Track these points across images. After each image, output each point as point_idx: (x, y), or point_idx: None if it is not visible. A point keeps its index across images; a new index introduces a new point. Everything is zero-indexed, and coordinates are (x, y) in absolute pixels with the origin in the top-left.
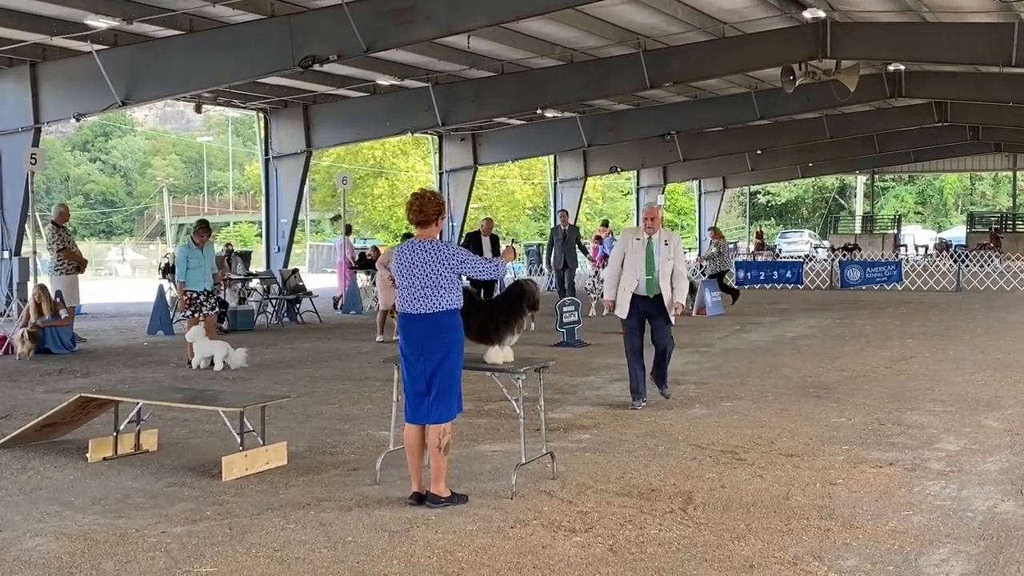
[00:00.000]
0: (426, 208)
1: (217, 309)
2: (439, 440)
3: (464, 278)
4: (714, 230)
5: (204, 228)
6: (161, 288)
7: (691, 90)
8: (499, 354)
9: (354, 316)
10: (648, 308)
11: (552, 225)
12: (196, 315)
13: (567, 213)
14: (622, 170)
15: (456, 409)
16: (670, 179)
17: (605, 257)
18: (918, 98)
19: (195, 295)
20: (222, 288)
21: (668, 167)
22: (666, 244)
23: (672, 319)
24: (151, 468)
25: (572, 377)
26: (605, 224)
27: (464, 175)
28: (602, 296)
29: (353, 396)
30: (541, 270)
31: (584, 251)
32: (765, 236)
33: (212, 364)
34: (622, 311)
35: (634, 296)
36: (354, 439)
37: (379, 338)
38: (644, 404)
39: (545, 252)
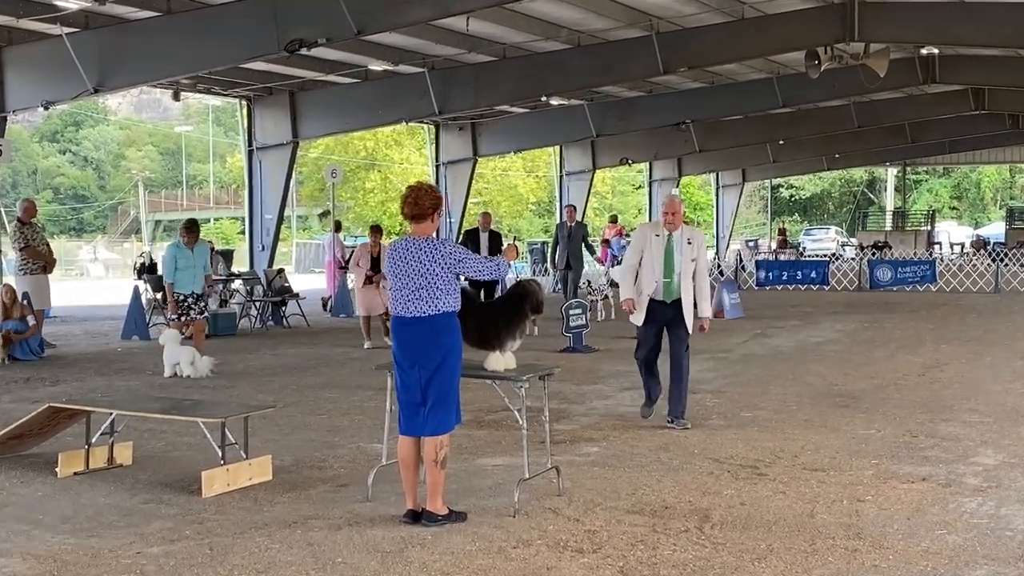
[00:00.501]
0: (421, 201)
1: (206, 314)
2: (436, 453)
3: (462, 278)
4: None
5: (191, 228)
6: (136, 290)
7: (708, 76)
8: (500, 360)
9: (344, 320)
10: (665, 315)
11: (557, 221)
12: (182, 319)
13: (575, 208)
14: (633, 162)
15: (454, 420)
16: (685, 172)
17: (615, 260)
18: (953, 84)
19: (181, 298)
20: (209, 292)
21: (683, 159)
22: (689, 243)
23: (690, 328)
24: (125, 484)
25: (579, 385)
26: (614, 220)
27: (463, 167)
28: (606, 298)
29: (343, 406)
30: (546, 270)
31: (591, 250)
32: (788, 233)
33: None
34: (639, 317)
35: (651, 301)
36: (344, 452)
37: (367, 345)
38: (654, 406)
39: (550, 250)
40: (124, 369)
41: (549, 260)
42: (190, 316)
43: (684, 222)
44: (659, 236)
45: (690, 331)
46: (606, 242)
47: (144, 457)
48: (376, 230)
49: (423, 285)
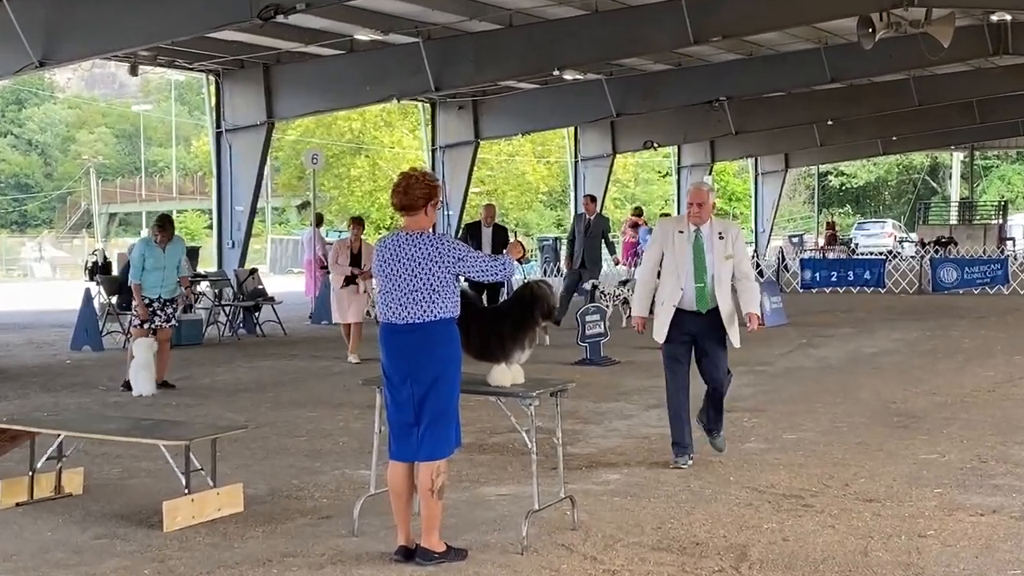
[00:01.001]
0: (413, 191)
1: (173, 322)
2: (432, 481)
3: (462, 280)
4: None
5: (164, 224)
6: (88, 293)
7: (745, 46)
8: (506, 374)
9: (326, 328)
10: (698, 328)
11: (575, 213)
12: (145, 326)
13: (594, 200)
14: (659, 146)
15: (453, 443)
16: (719, 157)
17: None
18: None
19: (147, 302)
20: (189, 297)
21: (716, 142)
22: (721, 238)
23: (735, 340)
24: (75, 516)
25: (597, 403)
26: (639, 213)
27: (463, 152)
28: (625, 302)
29: (325, 427)
30: (559, 270)
31: (611, 249)
32: (838, 228)
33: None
34: (660, 333)
35: (678, 312)
36: (326, 480)
37: (352, 359)
38: (691, 462)
39: (566, 247)
40: (74, 384)
41: (564, 258)
42: (154, 323)
43: (714, 214)
44: (683, 232)
45: (736, 343)
46: (634, 225)
47: (97, 485)
48: (357, 222)
49: (417, 287)
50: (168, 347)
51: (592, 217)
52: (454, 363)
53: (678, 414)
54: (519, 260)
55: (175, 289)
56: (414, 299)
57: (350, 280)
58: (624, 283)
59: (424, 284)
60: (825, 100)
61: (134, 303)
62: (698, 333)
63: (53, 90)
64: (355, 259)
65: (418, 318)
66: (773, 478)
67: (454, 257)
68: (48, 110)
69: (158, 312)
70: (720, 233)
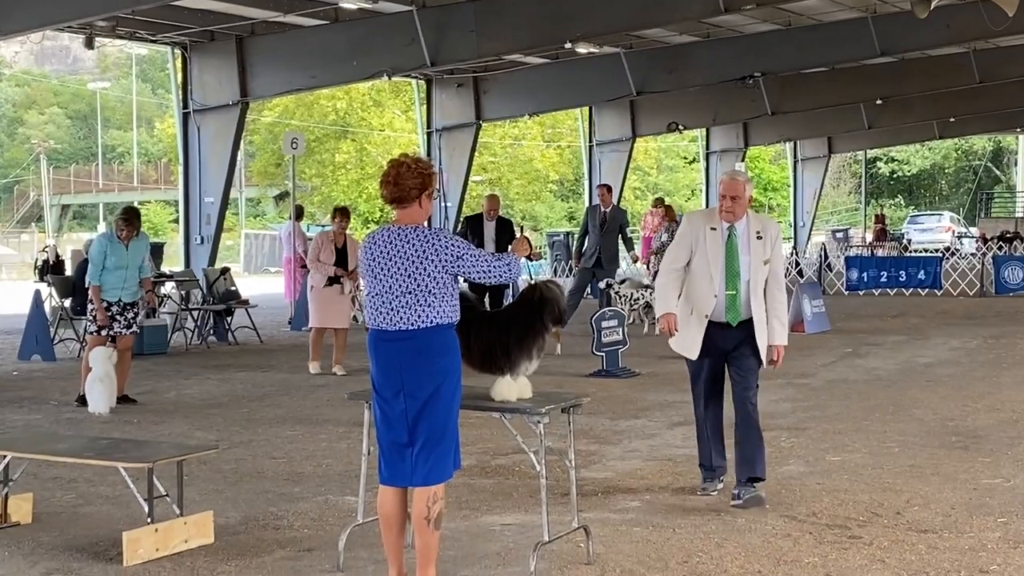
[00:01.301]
0: (404, 180)
1: (134, 328)
2: (428, 510)
3: (461, 280)
4: (664, 207)
5: (130, 218)
6: (37, 295)
7: (783, 15)
8: (511, 387)
9: (307, 334)
10: (727, 342)
11: (588, 204)
12: (103, 332)
13: (610, 190)
14: (685, 128)
15: (452, 465)
16: (753, 140)
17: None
18: None
19: (105, 305)
20: (152, 302)
21: (750, 124)
22: (759, 238)
23: (763, 359)
24: (24, 548)
25: (615, 420)
26: (661, 204)
27: (462, 136)
28: (647, 309)
29: (306, 447)
30: (571, 269)
31: (629, 245)
32: (888, 221)
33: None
34: (690, 347)
35: (708, 323)
36: (308, 507)
37: (313, 368)
38: (722, 485)
39: (576, 242)
40: (22, 398)
41: (575, 254)
42: (113, 330)
43: (751, 208)
44: (716, 230)
45: (763, 362)
46: (666, 209)
47: (48, 513)
48: (343, 213)
49: (411, 289)
50: (129, 357)
51: (608, 209)
52: (453, 375)
53: (707, 431)
54: (526, 258)
55: (137, 292)
56: (407, 302)
57: (334, 280)
58: (647, 287)
59: (418, 285)
60: (874, 76)
61: (91, 307)
62: (728, 348)
63: None
64: (340, 256)
65: (412, 324)
66: (815, 506)
67: (452, 255)
68: None
69: (118, 317)
70: (758, 232)
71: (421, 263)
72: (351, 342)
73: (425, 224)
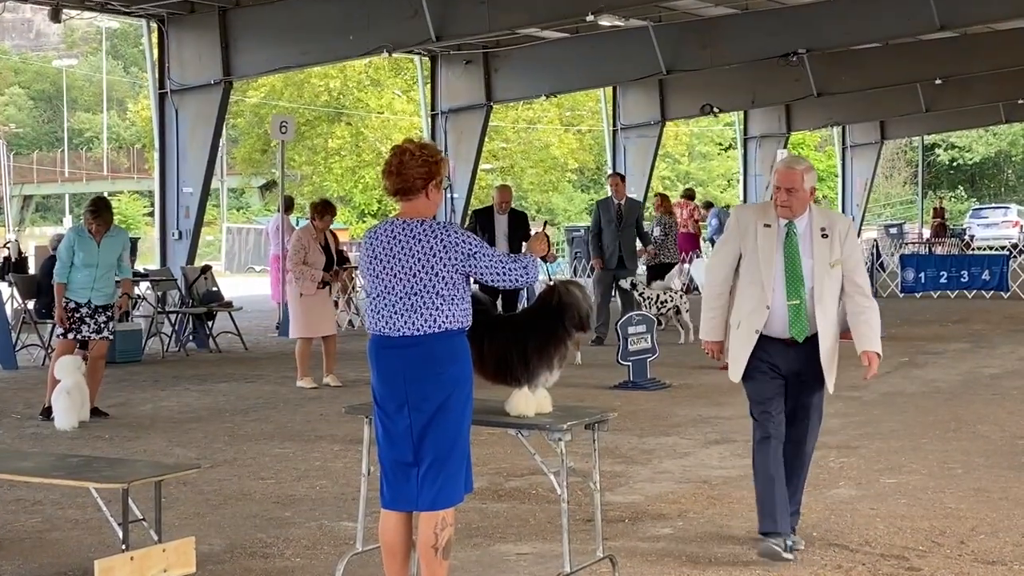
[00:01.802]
0: (408, 170)
1: (105, 334)
2: (435, 537)
3: (473, 281)
4: (660, 196)
5: (98, 210)
6: None
7: None
8: (529, 400)
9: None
10: (789, 363)
11: (600, 198)
12: (69, 336)
13: (622, 180)
14: (720, 111)
15: (462, 488)
16: (797, 125)
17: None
18: None
19: (72, 306)
20: (123, 306)
21: (793, 106)
22: (824, 236)
23: (830, 384)
24: None
25: (643, 437)
26: (689, 196)
27: (471, 119)
28: (677, 314)
29: (298, 466)
30: (591, 270)
31: (645, 240)
32: (948, 215)
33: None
34: (736, 367)
35: (763, 339)
36: (300, 533)
37: (301, 382)
38: (798, 543)
39: (592, 241)
40: None
41: (594, 251)
42: (81, 334)
43: (814, 201)
44: (770, 227)
45: (831, 388)
46: (706, 205)
47: (10, 539)
48: (324, 208)
49: (416, 290)
50: (102, 365)
51: (622, 201)
52: (463, 386)
53: (767, 478)
54: (543, 259)
55: (112, 294)
56: (412, 305)
57: (323, 283)
58: (682, 290)
59: (425, 286)
60: (932, 53)
61: (56, 308)
62: (789, 371)
63: None
64: (327, 255)
65: (418, 329)
66: (868, 533)
67: (463, 252)
68: None
69: (87, 320)
70: (824, 230)
71: (428, 261)
72: (345, 350)
73: (432, 217)
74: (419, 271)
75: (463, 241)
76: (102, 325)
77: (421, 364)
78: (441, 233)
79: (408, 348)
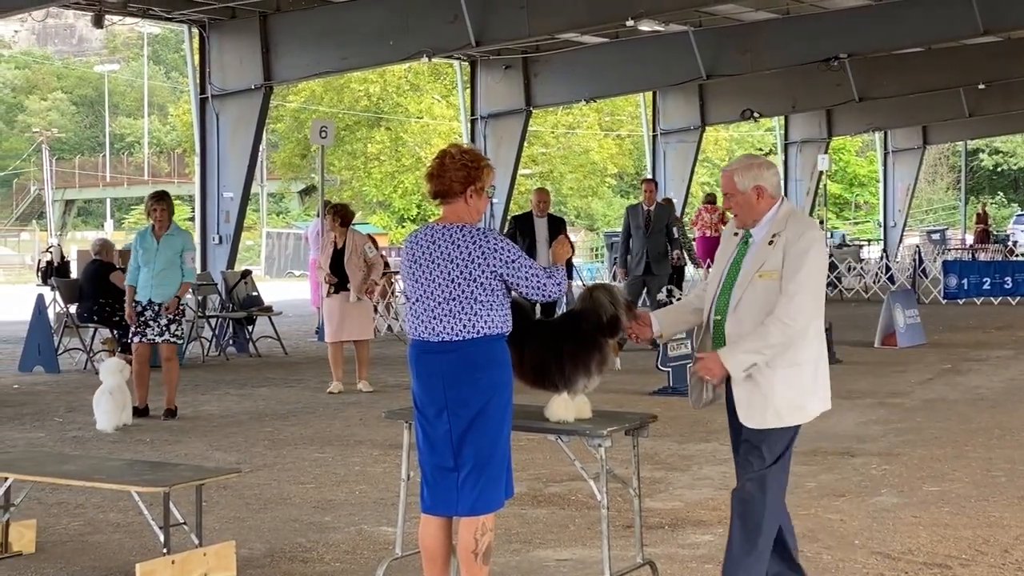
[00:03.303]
0: (447, 172)
1: (167, 337)
2: (475, 542)
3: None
4: (666, 201)
5: (161, 197)
6: (40, 300)
7: None
8: (568, 406)
9: None
10: (727, 388)
11: (630, 204)
12: (135, 339)
13: (655, 186)
14: (761, 116)
15: (503, 493)
16: (838, 130)
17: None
18: None
19: (140, 309)
20: (173, 308)
21: (835, 111)
22: (771, 243)
23: (758, 423)
24: None
25: (682, 444)
26: (711, 201)
27: (510, 124)
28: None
29: (337, 471)
30: (614, 276)
31: (675, 244)
32: (992, 221)
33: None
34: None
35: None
36: (340, 538)
37: (334, 387)
38: None
39: (621, 248)
40: (23, 415)
41: (620, 260)
42: (146, 337)
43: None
44: (737, 235)
45: (746, 422)
46: (711, 200)
47: (53, 542)
48: (335, 212)
49: (455, 295)
50: (171, 367)
51: (652, 208)
52: (503, 391)
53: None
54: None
55: (176, 294)
56: (451, 310)
57: (341, 286)
58: None
59: (463, 291)
60: (975, 57)
61: (126, 309)
62: (728, 398)
63: None
64: (338, 258)
65: (456, 334)
66: (911, 542)
67: (502, 259)
68: None
69: (151, 323)
70: (774, 236)
71: (467, 266)
72: (385, 355)
73: (473, 223)
74: (458, 276)
75: (503, 248)
76: (164, 328)
77: (460, 369)
78: (480, 239)
79: (447, 353)
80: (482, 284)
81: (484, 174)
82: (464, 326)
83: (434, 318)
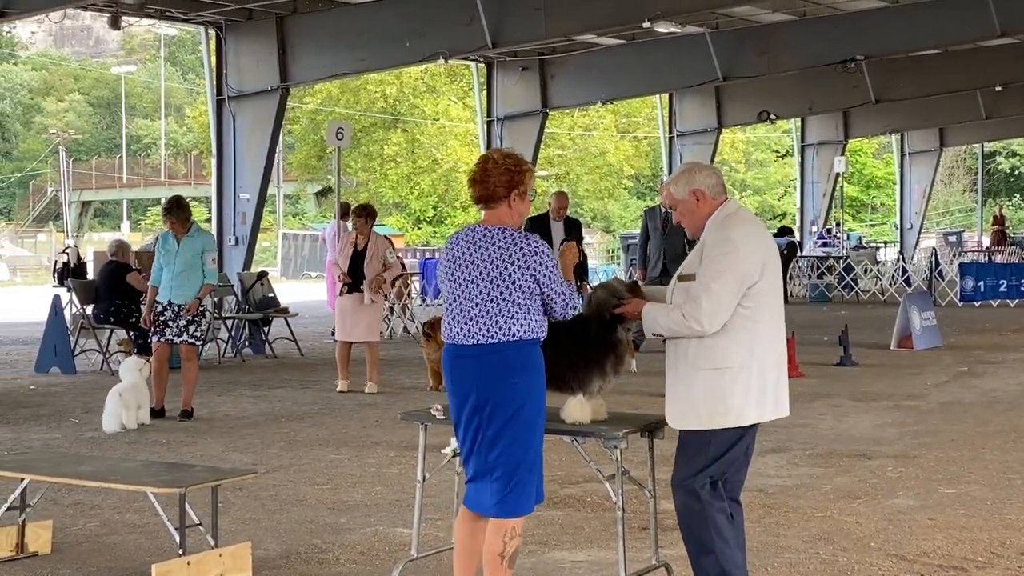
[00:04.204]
0: (491, 177)
1: (186, 338)
2: (503, 545)
3: None
4: None
5: (170, 209)
6: (56, 301)
7: None
8: (584, 408)
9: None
10: None
11: (648, 206)
12: (153, 339)
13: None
14: (778, 118)
15: (532, 499)
16: (854, 132)
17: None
18: None
19: (160, 309)
20: (193, 309)
21: (851, 113)
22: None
23: (678, 422)
24: None
25: None
26: None
27: (526, 126)
28: None
29: (353, 472)
30: (630, 276)
31: (692, 245)
32: (1008, 223)
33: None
34: None
35: None
36: (355, 539)
37: (341, 386)
38: None
39: (639, 251)
40: (40, 416)
41: (639, 262)
42: (164, 337)
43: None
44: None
45: (669, 422)
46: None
47: (69, 543)
48: (361, 212)
49: (491, 296)
50: (189, 367)
51: (668, 210)
52: (536, 398)
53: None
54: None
55: (196, 295)
56: (487, 312)
57: (354, 287)
58: None
59: (501, 293)
60: (992, 59)
61: (146, 308)
62: None
63: (13, 47)
64: (358, 259)
65: (491, 337)
66: (926, 544)
67: (540, 262)
68: (7, 72)
69: (169, 323)
70: (704, 241)
71: (506, 268)
72: (400, 356)
73: (514, 226)
74: (496, 277)
75: (543, 252)
76: (183, 329)
77: (494, 372)
78: (521, 241)
79: (482, 356)
80: (520, 287)
81: (527, 178)
82: (500, 328)
83: (470, 319)
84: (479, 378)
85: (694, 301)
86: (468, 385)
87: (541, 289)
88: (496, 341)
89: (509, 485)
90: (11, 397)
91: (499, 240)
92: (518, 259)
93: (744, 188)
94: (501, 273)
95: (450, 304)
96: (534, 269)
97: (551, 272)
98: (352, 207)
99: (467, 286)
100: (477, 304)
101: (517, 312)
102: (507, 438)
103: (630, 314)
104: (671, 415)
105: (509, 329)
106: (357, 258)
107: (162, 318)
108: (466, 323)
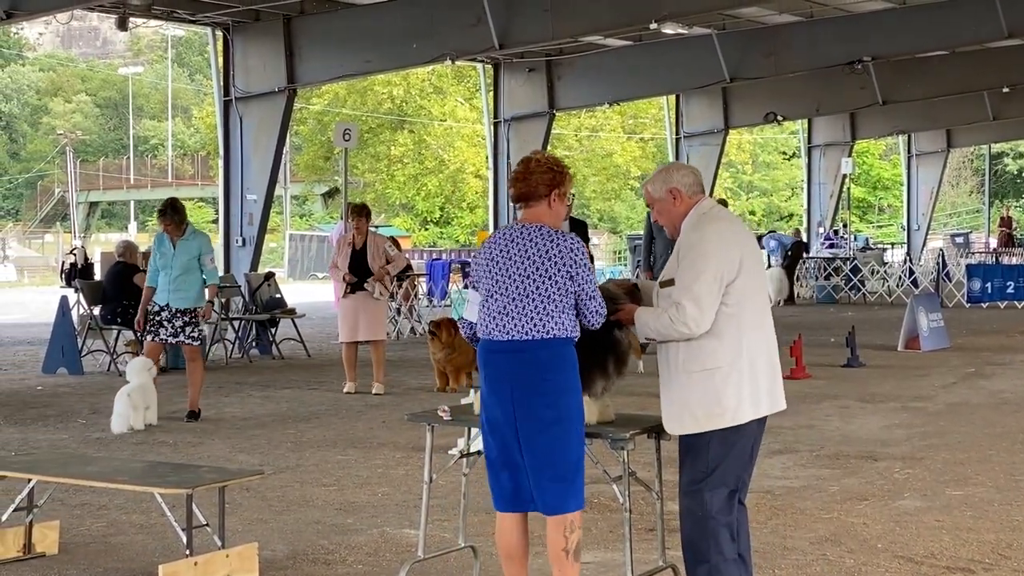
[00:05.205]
0: (533, 175)
1: (183, 338)
2: (565, 540)
3: None
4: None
5: (164, 211)
6: (64, 302)
7: None
8: (590, 409)
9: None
10: None
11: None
12: (148, 338)
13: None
14: (785, 119)
15: (583, 491)
16: (861, 133)
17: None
18: None
19: (156, 309)
20: (207, 314)
21: (858, 114)
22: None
23: (675, 428)
24: None
25: None
26: (724, 205)
27: (533, 127)
28: None
29: (360, 473)
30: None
31: None
32: (1016, 225)
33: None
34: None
35: None
36: (362, 540)
37: (348, 387)
38: None
39: (643, 251)
40: (47, 416)
41: (644, 263)
42: (159, 337)
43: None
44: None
45: (667, 428)
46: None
47: (76, 544)
48: (359, 212)
49: (527, 293)
50: (195, 368)
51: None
52: (571, 395)
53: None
54: None
55: (196, 298)
56: (522, 309)
57: (356, 287)
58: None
59: (538, 288)
60: (1000, 61)
61: (140, 308)
62: None
63: (21, 48)
64: (358, 258)
65: (526, 334)
66: (933, 545)
67: (576, 260)
68: (15, 73)
69: (164, 324)
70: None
71: (543, 264)
72: (407, 357)
73: (554, 225)
74: (532, 273)
75: (580, 251)
76: (178, 329)
77: (529, 369)
78: (559, 238)
79: (516, 353)
80: (556, 283)
81: (567, 180)
82: (535, 326)
83: (506, 315)
84: (513, 374)
85: (678, 306)
86: (502, 381)
87: (575, 287)
88: (530, 338)
89: (563, 480)
90: (18, 398)
91: (536, 237)
92: (555, 255)
93: (751, 190)
94: (537, 268)
95: (487, 299)
96: (570, 266)
97: (586, 273)
98: (352, 206)
99: (504, 281)
100: (513, 299)
101: (553, 310)
102: (548, 435)
103: (624, 319)
104: (668, 421)
105: (544, 326)
106: (358, 258)
107: (157, 318)
108: (501, 319)
